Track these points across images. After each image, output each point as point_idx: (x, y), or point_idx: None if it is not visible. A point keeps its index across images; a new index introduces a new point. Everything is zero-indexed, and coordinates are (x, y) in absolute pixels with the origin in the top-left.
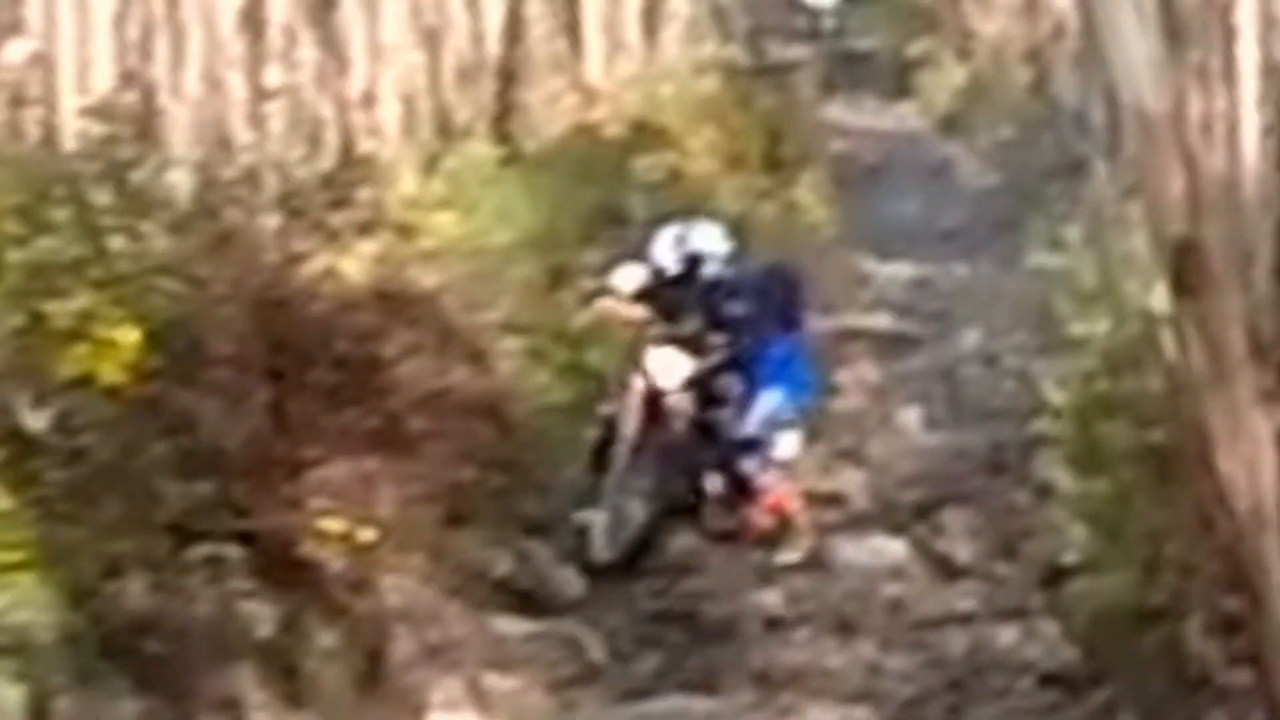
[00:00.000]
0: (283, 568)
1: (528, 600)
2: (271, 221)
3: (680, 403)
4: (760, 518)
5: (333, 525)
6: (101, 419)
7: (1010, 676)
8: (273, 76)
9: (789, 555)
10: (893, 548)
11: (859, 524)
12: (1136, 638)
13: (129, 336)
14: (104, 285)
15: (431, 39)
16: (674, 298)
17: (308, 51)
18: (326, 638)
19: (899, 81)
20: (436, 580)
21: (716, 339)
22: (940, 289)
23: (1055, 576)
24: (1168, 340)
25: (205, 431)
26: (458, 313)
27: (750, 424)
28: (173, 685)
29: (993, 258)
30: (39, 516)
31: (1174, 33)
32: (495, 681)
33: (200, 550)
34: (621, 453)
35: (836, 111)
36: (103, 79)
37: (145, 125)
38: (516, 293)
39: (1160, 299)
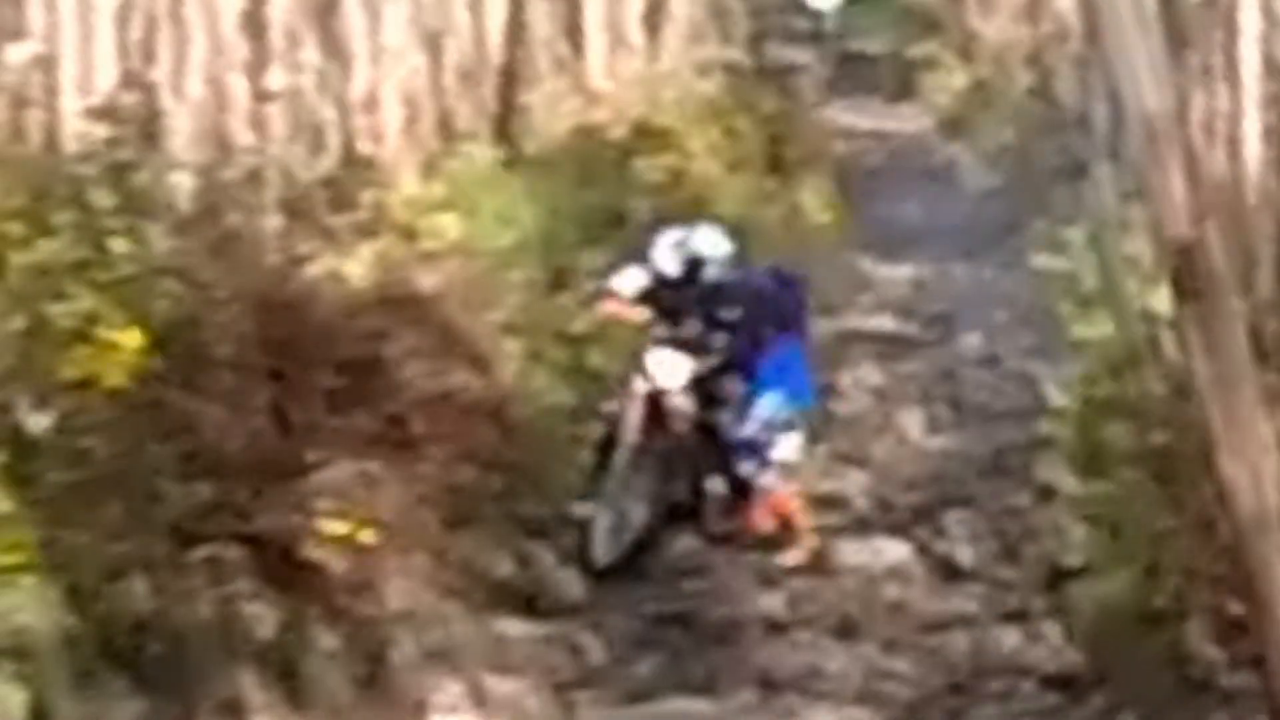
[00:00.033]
0: (284, 569)
1: (529, 603)
2: (273, 223)
3: (681, 404)
4: (761, 520)
5: (334, 527)
6: (103, 421)
7: (1012, 679)
8: (275, 79)
9: (791, 558)
10: (894, 550)
11: (861, 526)
12: (1138, 640)
13: (131, 338)
14: (106, 287)
15: (433, 41)
16: (675, 300)
17: (310, 54)
18: (328, 639)
19: (901, 84)
20: (437, 582)
21: (717, 341)
22: (942, 291)
23: (1057, 579)
24: (1170, 343)
25: (207, 433)
26: (459, 314)
27: (748, 426)
28: (174, 687)
29: (995, 260)
30: (41, 518)
31: (1176, 35)
32: (496, 683)
33: (202, 552)
34: (623, 454)
35: (839, 114)
36: (105, 81)
37: (147, 127)
38: (518, 294)
39: (1162, 301)
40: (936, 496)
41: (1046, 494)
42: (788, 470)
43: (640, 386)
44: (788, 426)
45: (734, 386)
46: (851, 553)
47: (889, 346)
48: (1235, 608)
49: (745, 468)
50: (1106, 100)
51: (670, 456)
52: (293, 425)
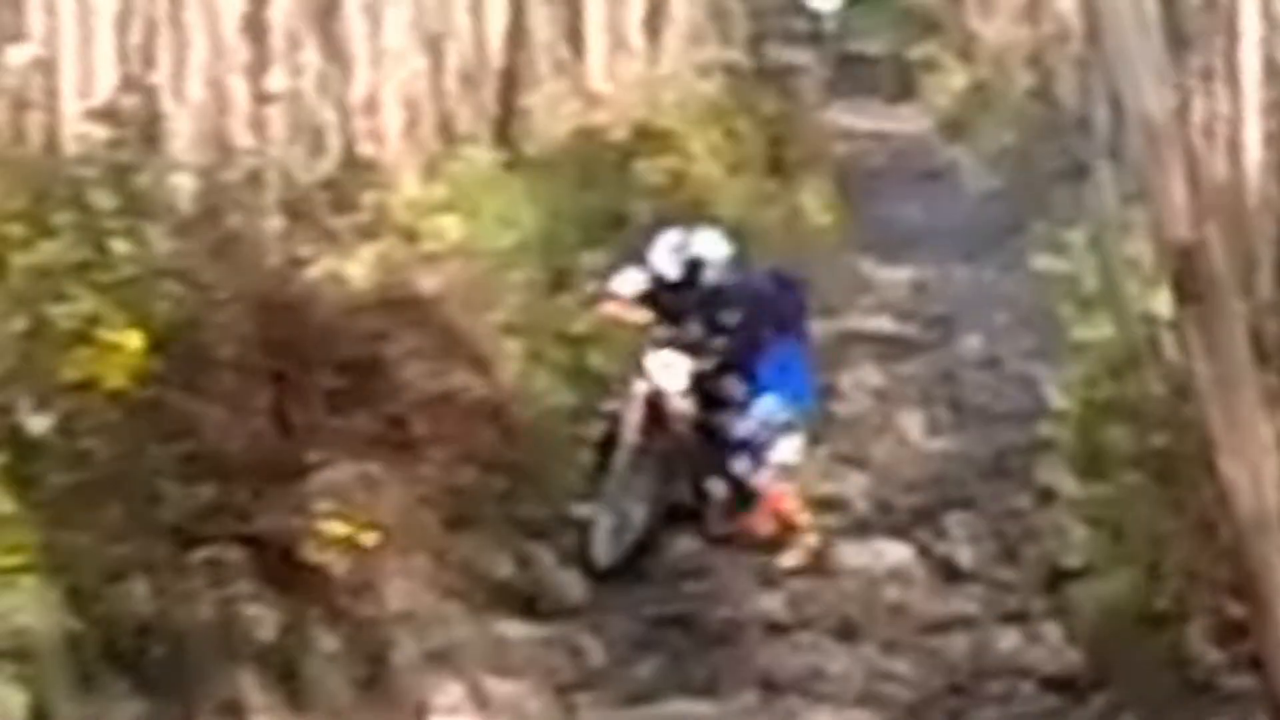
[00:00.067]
0: (285, 571)
1: (529, 604)
2: (274, 225)
3: (682, 405)
4: (760, 522)
5: (335, 528)
6: (104, 422)
7: (1013, 680)
8: (275, 81)
9: (791, 560)
10: (895, 551)
11: (861, 528)
12: (1139, 642)
13: (132, 340)
14: (107, 289)
15: (434, 43)
16: (675, 302)
17: (310, 56)
18: (328, 641)
19: (901, 85)
20: (438, 584)
21: (717, 343)
22: (942, 293)
23: (1058, 580)
24: (1170, 345)
25: (208, 435)
26: (460, 316)
27: (745, 428)
28: (175, 688)
29: (995, 262)
30: (42, 519)
31: (1177, 37)
32: (497, 685)
33: (202, 553)
34: (623, 455)
35: (839, 115)
36: (105, 83)
37: (148, 129)
38: (519, 296)
39: (1163, 303)
40: (937, 498)
41: (1047, 496)
42: (787, 472)
43: (640, 388)
44: (787, 428)
45: (734, 388)
46: (852, 554)
47: (889, 348)
48: (1236, 609)
49: (739, 466)
50: (1107, 102)
51: (670, 458)
52: (293, 426)
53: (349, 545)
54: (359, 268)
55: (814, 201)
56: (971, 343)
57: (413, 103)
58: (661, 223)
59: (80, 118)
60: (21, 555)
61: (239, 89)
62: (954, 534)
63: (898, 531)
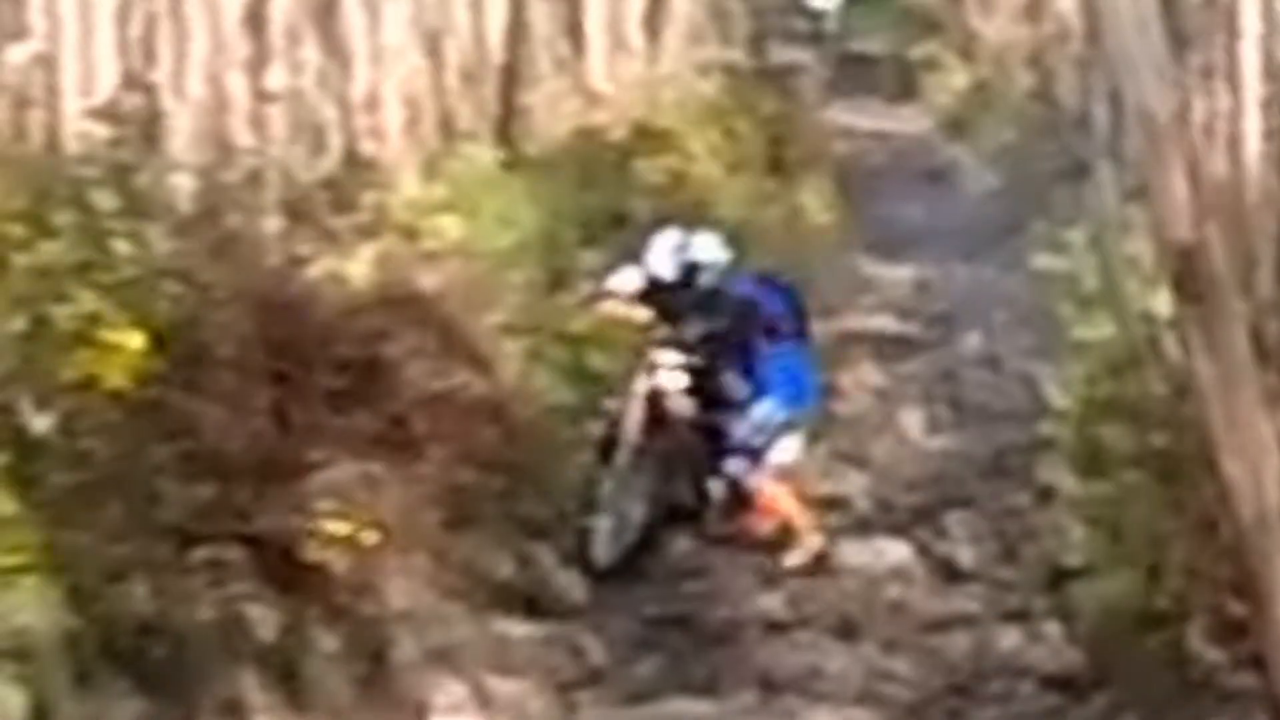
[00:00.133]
0: (286, 570)
1: (530, 603)
2: (274, 224)
3: (682, 405)
4: (759, 524)
5: (336, 528)
6: (105, 422)
7: (1013, 679)
8: (275, 79)
9: (793, 560)
10: (895, 550)
11: (861, 526)
12: (1140, 641)
13: (133, 340)
14: (108, 289)
15: (434, 42)
16: (672, 302)
17: (310, 54)
18: (329, 640)
19: (902, 84)
20: (439, 583)
21: (715, 345)
22: (943, 292)
23: (1058, 579)
24: (1171, 344)
25: (208, 434)
26: (460, 315)
27: (742, 431)
28: (175, 688)
29: (996, 261)
30: (42, 519)
31: (1178, 36)
32: (497, 684)
33: (203, 553)
34: (623, 454)
35: (839, 114)
36: (106, 81)
37: (148, 128)
38: (519, 295)
39: (1163, 302)
40: (937, 497)
41: (1047, 495)
42: (787, 472)
43: (641, 387)
44: (787, 429)
45: (735, 388)
46: (852, 553)
47: (889, 347)
48: (1236, 608)
49: (733, 466)
50: (1107, 101)
51: (670, 457)
52: (294, 426)
53: (349, 544)
54: (359, 267)
55: (814, 201)
56: (972, 342)
57: (413, 100)
58: (661, 222)
59: (81, 116)
60: (22, 555)
61: (239, 86)
62: (954, 533)
63: (898, 530)
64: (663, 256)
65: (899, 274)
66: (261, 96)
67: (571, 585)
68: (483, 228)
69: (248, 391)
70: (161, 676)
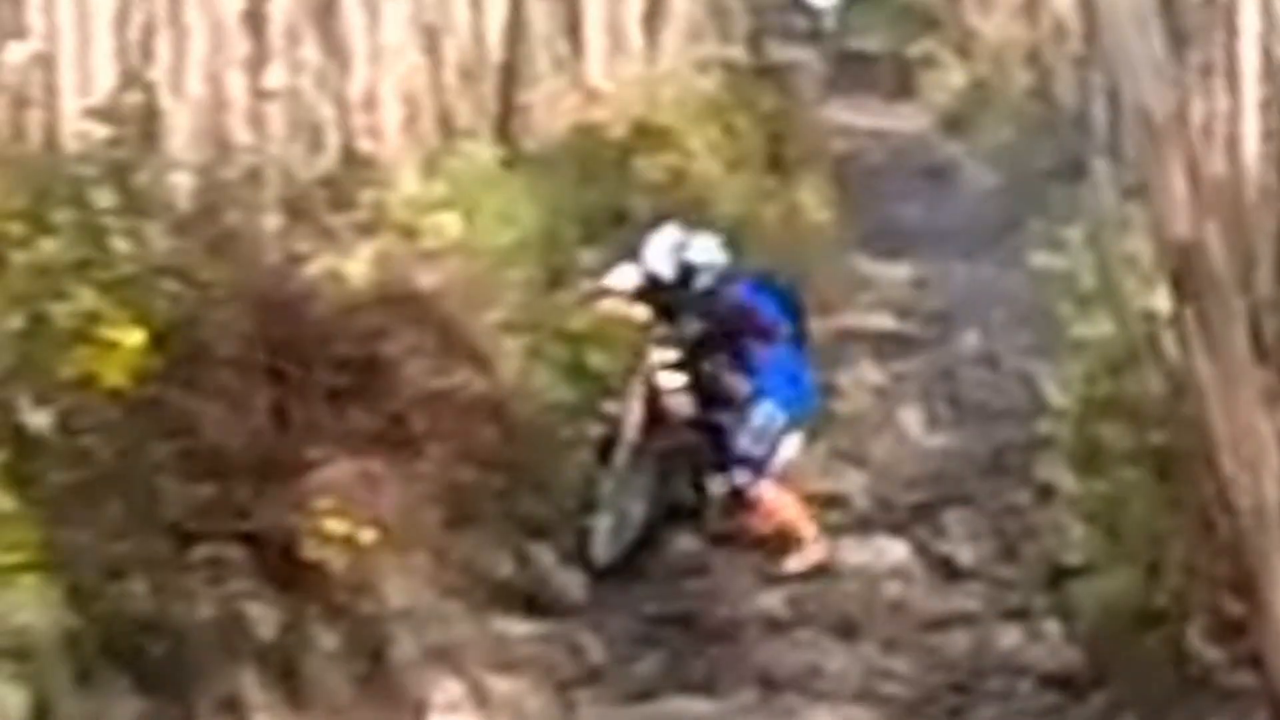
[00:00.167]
0: (285, 569)
1: (529, 602)
2: (273, 222)
3: (681, 403)
4: (759, 525)
5: (335, 526)
6: (104, 420)
7: (1012, 678)
8: (274, 77)
9: (793, 564)
10: (894, 549)
11: (860, 525)
12: (1139, 639)
13: (131, 338)
14: (106, 287)
15: (433, 40)
16: (669, 301)
17: (309, 51)
18: (328, 639)
19: (900, 82)
20: (438, 581)
21: (712, 345)
22: (941, 290)
23: (1057, 578)
24: (1170, 342)
25: (207, 432)
26: (459, 313)
27: (743, 440)
28: (174, 686)
29: (994, 259)
30: (41, 518)
31: (1176, 34)
32: (497, 683)
33: (202, 551)
34: (623, 453)
35: (838, 112)
36: (104, 80)
37: (147, 127)
38: (518, 293)
39: (1162, 300)
40: (936, 495)
41: (1046, 493)
42: (785, 474)
43: (640, 386)
44: (786, 430)
45: (735, 387)
46: (851, 552)
47: (888, 345)
48: (1235, 607)
49: (739, 477)
50: (1106, 99)
51: (670, 456)
52: (293, 424)
53: (348, 543)
54: (358, 265)
55: (813, 198)
56: (970, 340)
57: (412, 98)
58: (661, 219)
59: (80, 115)
60: (21, 553)
61: (237, 85)
62: (953, 531)
63: (897, 529)
64: (661, 254)
65: (897, 272)
66: (260, 95)
67: (571, 584)
68: (482, 226)
69: (247, 389)
70: (161, 674)
